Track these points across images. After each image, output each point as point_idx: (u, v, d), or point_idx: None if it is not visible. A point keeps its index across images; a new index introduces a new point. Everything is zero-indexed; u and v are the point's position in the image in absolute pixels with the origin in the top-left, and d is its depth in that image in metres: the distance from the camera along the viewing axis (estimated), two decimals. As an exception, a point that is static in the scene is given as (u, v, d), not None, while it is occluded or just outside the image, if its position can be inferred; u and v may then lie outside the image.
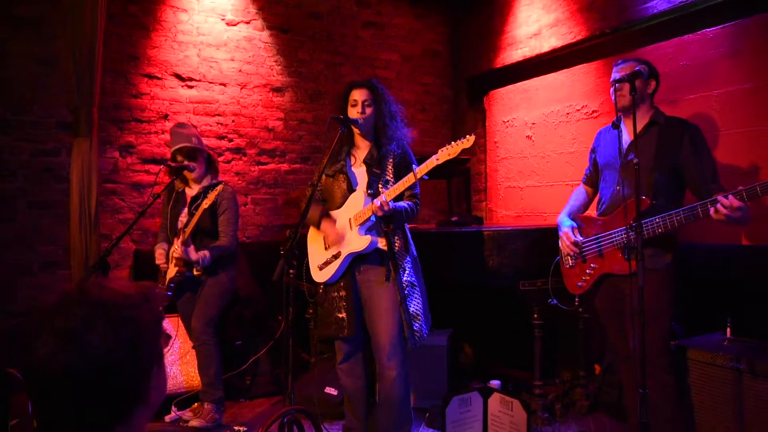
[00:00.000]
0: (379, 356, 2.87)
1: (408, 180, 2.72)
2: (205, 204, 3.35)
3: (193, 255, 3.38)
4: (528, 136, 5.00)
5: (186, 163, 3.53)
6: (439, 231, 4.07)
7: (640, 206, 2.40)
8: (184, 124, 3.77)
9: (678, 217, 2.48)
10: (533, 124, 4.94)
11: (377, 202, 2.69)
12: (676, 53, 3.69)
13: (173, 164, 3.52)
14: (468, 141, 2.59)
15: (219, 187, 3.37)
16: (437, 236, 3.88)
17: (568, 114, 4.59)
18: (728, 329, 2.84)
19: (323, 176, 2.99)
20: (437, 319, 3.97)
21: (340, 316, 2.89)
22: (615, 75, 2.78)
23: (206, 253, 3.42)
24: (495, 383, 3.63)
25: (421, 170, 2.68)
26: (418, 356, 3.64)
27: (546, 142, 4.81)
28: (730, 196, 2.33)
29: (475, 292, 4.38)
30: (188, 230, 3.41)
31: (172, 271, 3.49)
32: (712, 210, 2.38)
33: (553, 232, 3.22)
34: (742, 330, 2.83)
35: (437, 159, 2.64)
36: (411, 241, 3.00)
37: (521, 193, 5.09)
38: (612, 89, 2.75)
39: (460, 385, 3.87)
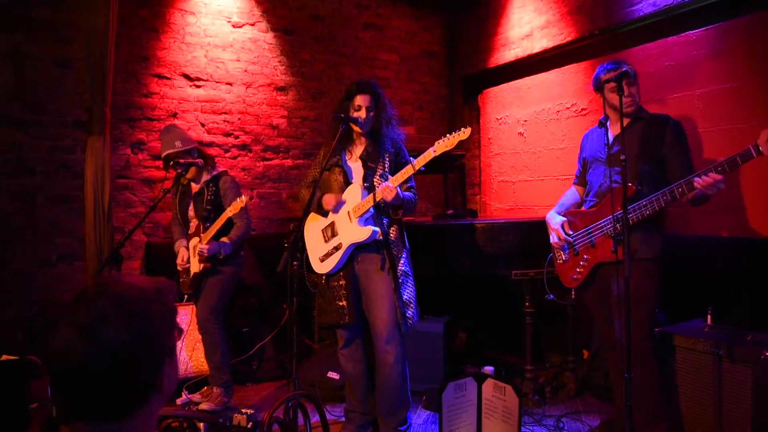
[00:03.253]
0: (377, 342, 2.98)
1: (407, 171, 2.83)
2: (229, 213, 3.50)
3: (215, 247, 3.55)
4: (520, 133, 5.12)
5: (184, 161, 3.63)
6: (435, 223, 4.16)
7: (627, 193, 2.44)
8: (168, 128, 3.80)
9: (664, 198, 2.59)
10: (525, 121, 5.06)
11: (388, 183, 2.78)
12: (660, 54, 3.79)
13: (175, 169, 3.65)
14: (464, 133, 2.68)
15: (243, 199, 3.48)
16: (434, 228, 3.99)
17: (558, 112, 4.71)
18: (709, 317, 2.92)
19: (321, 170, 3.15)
20: (435, 307, 4.13)
21: (341, 304, 3.00)
22: (607, 75, 2.84)
23: (228, 246, 3.58)
24: (489, 369, 3.73)
25: (420, 161, 2.78)
26: (415, 342, 3.72)
27: (537, 139, 4.93)
28: (711, 173, 2.45)
29: (470, 281, 4.47)
30: (210, 233, 3.55)
31: (196, 266, 3.64)
32: (697, 180, 2.48)
33: (543, 225, 3.33)
34: (720, 318, 2.91)
35: (434, 151, 2.74)
36: (405, 234, 3.13)
37: (514, 187, 5.21)
38: (604, 89, 2.83)
39: (456, 369, 3.96)
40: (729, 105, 3.42)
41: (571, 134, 4.58)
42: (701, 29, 3.57)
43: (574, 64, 4.56)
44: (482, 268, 3.75)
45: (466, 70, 5.69)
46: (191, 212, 3.74)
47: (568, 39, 4.47)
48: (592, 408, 3.58)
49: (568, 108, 4.62)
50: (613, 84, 2.70)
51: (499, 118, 5.37)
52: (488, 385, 2.96)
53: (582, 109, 4.50)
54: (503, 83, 5.30)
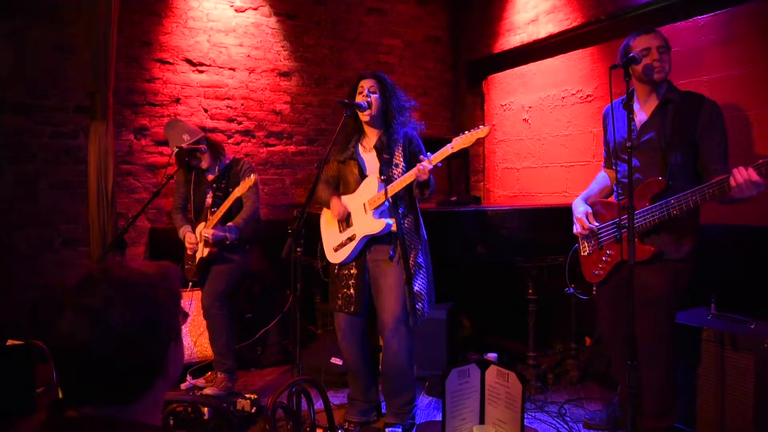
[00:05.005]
0: (382, 331, 3.01)
1: (411, 173, 2.80)
2: (238, 192, 3.45)
3: (221, 233, 3.54)
4: (525, 119, 5.10)
5: (193, 156, 3.61)
6: (439, 210, 4.15)
7: (632, 188, 2.26)
8: (172, 123, 3.76)
9: (693, 197, 2.36)
10: (530, 107, 5.04)
11: (423, 165, 2.72)
12: (668, 40, 3.78)
13: (181, 161, 3.63)
14: (483, 131, 2.66)
15: (252, 177, 3.42)
16: (437, 215, 3.96)
17: (563, 98, 4.69)
18: (713, 305, 2.91)
19: (336, 163, 3.13)
20: (438, 294, 4.12)
21: (349, 292, 3.04)
22: (649, 42, 2.57)
23: (234, 232, 3.56)
24: (492, 356, 3.73)
25: (436, 158, 2.74)
26: (419, 328, 3.73)
27: (542, 125, 4.91)
28: (750, 169, 2.24)
29: (474, 268, 4.49)
30: (217, 216, 3.53)
31: (204, 251, 3.62)
32: (731, 180, 2.28)
33: (548, 212, 3.31)
34: (724, 306, 2.91)
35: (452, 147, 2.72)
36: (422, 225, 3.11)
37: (518, 174, 5.20)
38: (645, 59, 2.55)
39: (459, 356, 3.99)
40: (737, 91, 3.40)
41: (576, 121, 4.56)
42: (709, 15, 3.55)
43: (580, 50, 4.53)
44: (486, 255, 3.74)
45: (470, 56, 5.65)
46: (209, 200, 3.71)
47: (575, 24, 4.42)
48: (594, 395, 3.61)
49: (574, 94, 4.60)
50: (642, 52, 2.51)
51: (503, 104, 5.35)
52: (491, 372, 2.95)
53: (587, 96, 4.47)
54: (508, 69, 5.27)
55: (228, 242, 3.58)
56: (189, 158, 3.62)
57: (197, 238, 3.69)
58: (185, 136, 3.61)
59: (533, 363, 3.75)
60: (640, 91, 2.68)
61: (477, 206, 4.42)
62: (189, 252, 3.74)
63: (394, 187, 2.90)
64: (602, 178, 3.04)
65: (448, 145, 2.74)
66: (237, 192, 3.48)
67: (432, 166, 2.74)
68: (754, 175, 2.24)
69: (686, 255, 2.57)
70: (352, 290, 3.03)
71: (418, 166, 2.75)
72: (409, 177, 2.83)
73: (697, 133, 2.52)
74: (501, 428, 2.87)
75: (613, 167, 2.82)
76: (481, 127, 2.68)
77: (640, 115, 2.67)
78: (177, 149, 3.59)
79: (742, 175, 2.25)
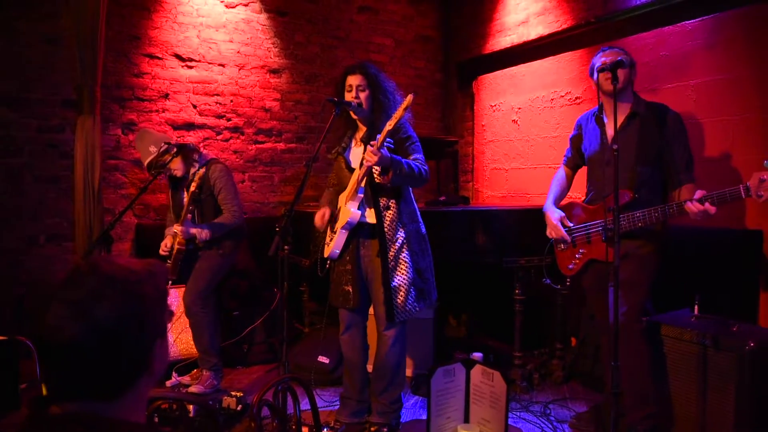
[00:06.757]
0: (378, 326, 2.99)
1: (376, 143, 2.71)
2: (192, 187, 3.42)
3: (192, 230, 3.47)
4: (514, 120, 5.12)
5: (163, 167, 3.55)
6: (427, 210, 4.11)
7: (618, 198, 2.38)
8: (141, 135, 3.73)
9: (656, 214, 2.59)
10: (519, 108, 5.05)
11: (368, 150, 2.68)
12: (656, 44, 3.80)
13: (157, 173, 3.56)
14: (407, 101, 2.64)
15: (201, 171, 3.45)
16: (426, 215, 3.90)
17: (552, 100, 4.71)
18: (696, 307, 2.92)
19: (333, 163, 3.12)
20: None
21: (347, 288, 3.00)
22: (598, 62, 2.80)
23: (206, 230, 3.49)
24: (477, 355, 3.76)
25: (380, 140, 2.70)
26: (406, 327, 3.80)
27: (531, 127, 4.93)
28: (706, 204, 2.43)
29: (461, 268, 4.48)
30: (184, 214, 3.49)
31: (174, 247, 3.57)
32: (689, 206, 2.49)
33: (535, 213, 3.32)
34: (706, 308, 2.93)
35: (390, 125, 2.69)
36: (417, 219, 3.06)
37: (506, 174, 5.22)
38: (595, 75, 2.81)
39: (445, 355, 3.99)
40: (723, 96, 3.44)
41: (565, 122, 4.58)
42: (697, 19, 3.57)
43: (570, 52, 4.55)
44: (473, 255, 3.73)
45: (461, 56, 5.66)
46: (186, 201, 3.69)
47: (564, 26, 4.44)
48: (578, 395, 3.62)
49: (563, 96, 4.62)
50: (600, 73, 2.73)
51: (493, 105, 5.36)
52: (477, 371, 2.98)
53: (576, 98, 4.50)
54: (498, 70, 5.29)
55: (198, 242, 3.51)
56: (160, 170, 3.55)
57: (171, 245, 3.65)
58: (152, 148, 3.57)
59: (519, 363, 3.75)
60: (606, 104, 2.88)
61: (465, 206, 4.43)
62: (161, 252, 3.68)
63: (358, 177, 2.86)
64: (561, 176, 3.26)
65: (386, 123, 2.71)
66: (192, 187, 3.49)
67: (377, 149, 2.66)
68: (707, 207, 2.45)
69: (650, 252, 2.80)
70: (349, 286, 3.00)
71: (367, 149, 2.71)
72: (364, 166, 2.80)
73: (662, 144, 2.74)
74: (485, 427, 2.89)
75: (578, 168, 3.19)
76: (406, 97, 2.65)
77: (609, 129, 2.86)
78: (146, 164, 3.58)
79: (696, 207, 2.47)
